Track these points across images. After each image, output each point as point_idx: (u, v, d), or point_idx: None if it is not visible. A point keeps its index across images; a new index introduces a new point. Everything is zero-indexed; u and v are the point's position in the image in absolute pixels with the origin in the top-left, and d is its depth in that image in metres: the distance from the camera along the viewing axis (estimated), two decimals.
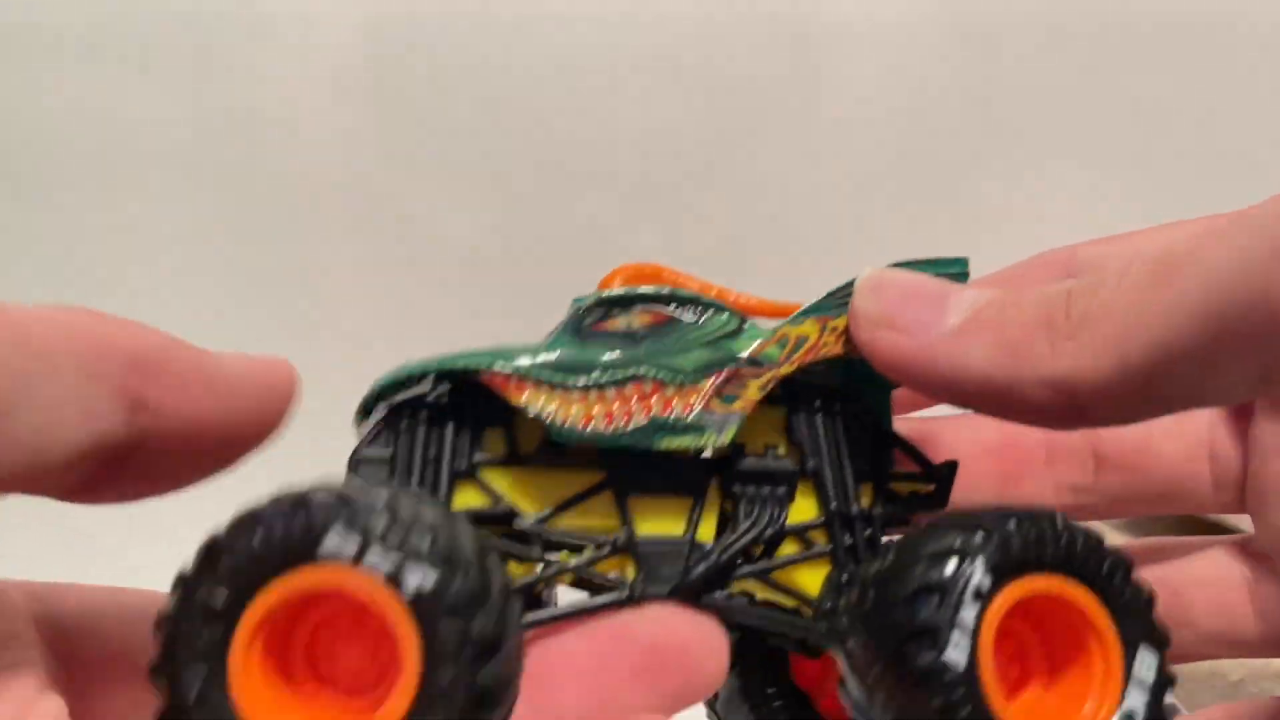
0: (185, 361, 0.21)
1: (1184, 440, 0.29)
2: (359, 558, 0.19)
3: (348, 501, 0.19)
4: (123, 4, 0.46)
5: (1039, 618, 0.23)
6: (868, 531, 0.26)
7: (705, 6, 0.47)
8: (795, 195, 0.47)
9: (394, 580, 0.19)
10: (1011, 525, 0.22)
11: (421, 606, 0.19)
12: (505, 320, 0.46)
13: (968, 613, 0.21)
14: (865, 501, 0.27)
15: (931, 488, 0.27)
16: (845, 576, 0.26)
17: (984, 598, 0.21)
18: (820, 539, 0.26)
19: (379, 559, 0.19)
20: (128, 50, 0.47)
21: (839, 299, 0.26)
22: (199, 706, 0.19)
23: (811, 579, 0.26)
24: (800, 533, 0.26)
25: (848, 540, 0.26)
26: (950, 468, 0.27)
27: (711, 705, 0.31)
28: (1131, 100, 0.49)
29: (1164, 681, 0.22)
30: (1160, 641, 0.22)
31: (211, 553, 0.19)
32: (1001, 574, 0.21)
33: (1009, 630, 0.23)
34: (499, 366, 0.25)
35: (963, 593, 0.21)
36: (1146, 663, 0.22)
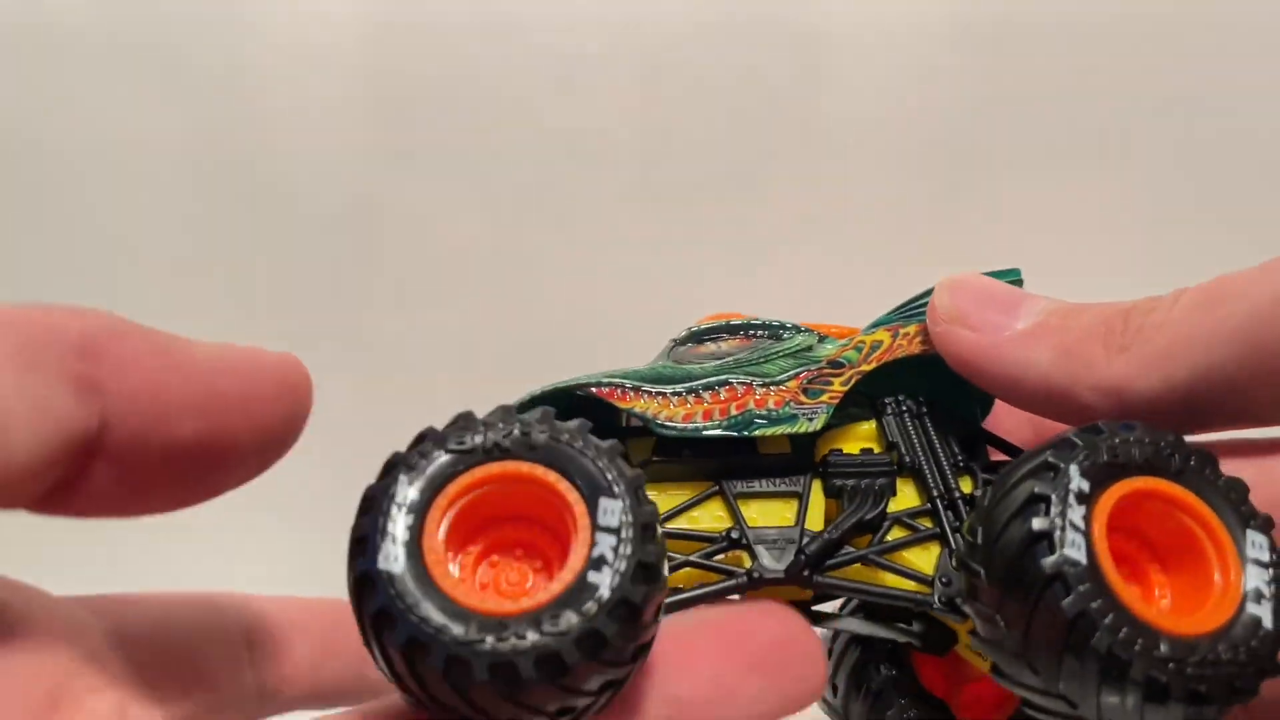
0: (139, 339, 0.20)
1: None
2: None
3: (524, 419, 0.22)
4: (119, 7, 0.47)
5: (1141, 524, 0.24)
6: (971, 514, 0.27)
7: (709, 9, 0.48)
8: (798, 197, 0.48)
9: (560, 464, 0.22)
10: (1094, 435, 0.23)
11: (584, 475, 0.22)
12: (506, 320, 0.47)
13: (1075, 514, 0.22)
14: (967, 489, 0.28)
15: None
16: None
17: (1087, 499, 0.22)
18: (927, 525, 0.27)
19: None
20: (125, 53, 0.47)
21: (905, 311, 0.29)
22: (400, 573, 0.20)
23: (925, 560, 0.27)
24: (906, 521, 0.27)
25: (955, 521, 0.27)
26: None
27: None
28: (1144, 102, 0.49)
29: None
30: (1263, 524, 0.23)
31: (395, 463, 0.22)
32: (1097, 479, 0.23)
33: (1116, 542, 0.24)
34: (605, 380, 0.27)
35: (1065, 497, 0.22)
36: (1257, 543, 0.23)
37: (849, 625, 0.28)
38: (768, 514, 0.27)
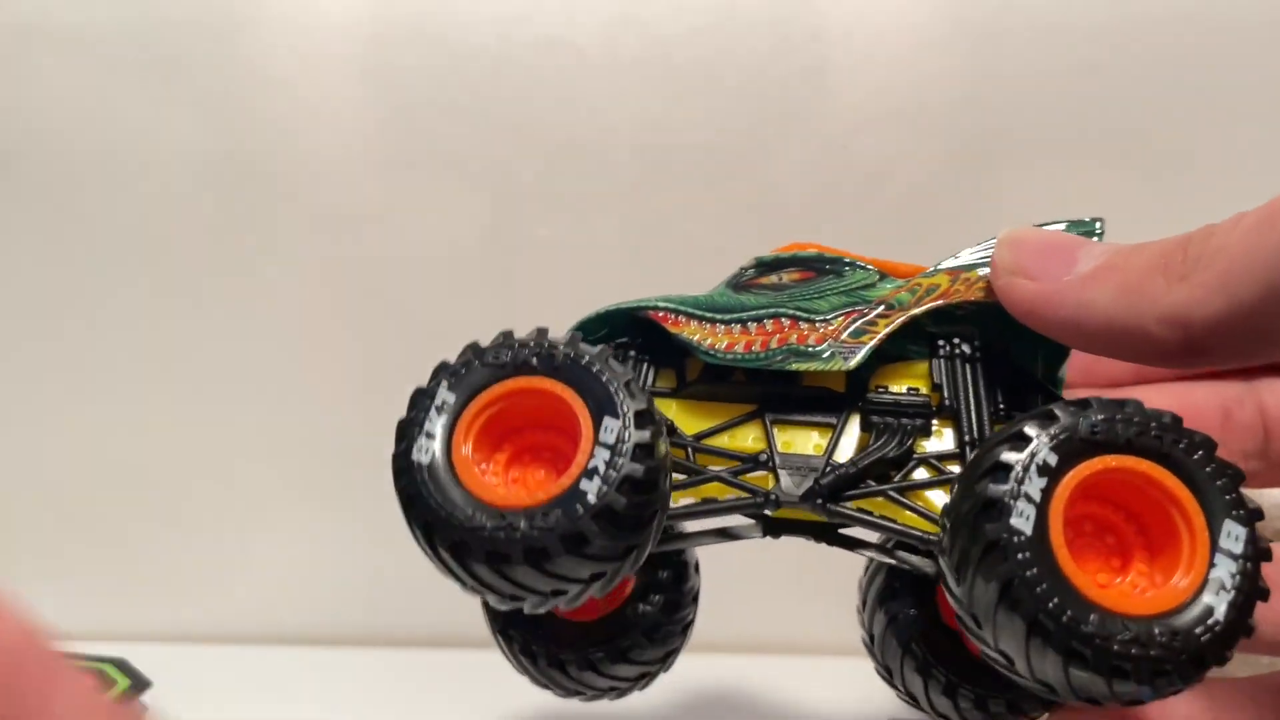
0: None
1: None
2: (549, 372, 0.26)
3: (551, 340, 0.26)
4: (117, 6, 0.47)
5: (1127, 502, 0.24)
6: None
7: (711, 5, 0.47)
8: (799, 197, 0.47)
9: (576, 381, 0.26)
10: (1080, 410, 0.24)
11: (593, 392, 0.25)
12: (503, 321, 0.48)
13: (1034, 485, 0.23)
14: None
15: None
16: None
17: (1051, 472, 0.23)
18: (955, 468, 0.28)
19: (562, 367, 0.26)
20: (124, 52, 0.48)
21: (972, 255, 0.29)
22: (429, 464, 0.25)
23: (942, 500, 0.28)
24: (935, 463, 0.28)
25: None
26: None
27: (870, 646, 0.33)
28: (1145, 100, 0.46)
29: (1255, 553, 0.22)
30: (1248, 515, 0.23)
31: (440, 370, 0.26)
32: (1069, 453, 0.23)
33: (1104, 520, 0.24)
34: (661, 304, 0.30)
35: (1028, 467, 0.23)
36: (1233, 534, 0.22)
37: (870, 552, 0.30)
38: (801, 441, 0.29)
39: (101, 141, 0.48)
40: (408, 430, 0.26)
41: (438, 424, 0.26)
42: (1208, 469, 0.23)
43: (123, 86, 0.48)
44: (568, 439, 0.26)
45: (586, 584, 0.26)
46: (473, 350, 0.27)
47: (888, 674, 0.32)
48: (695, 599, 0.34)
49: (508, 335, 0.27)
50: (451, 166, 0.48)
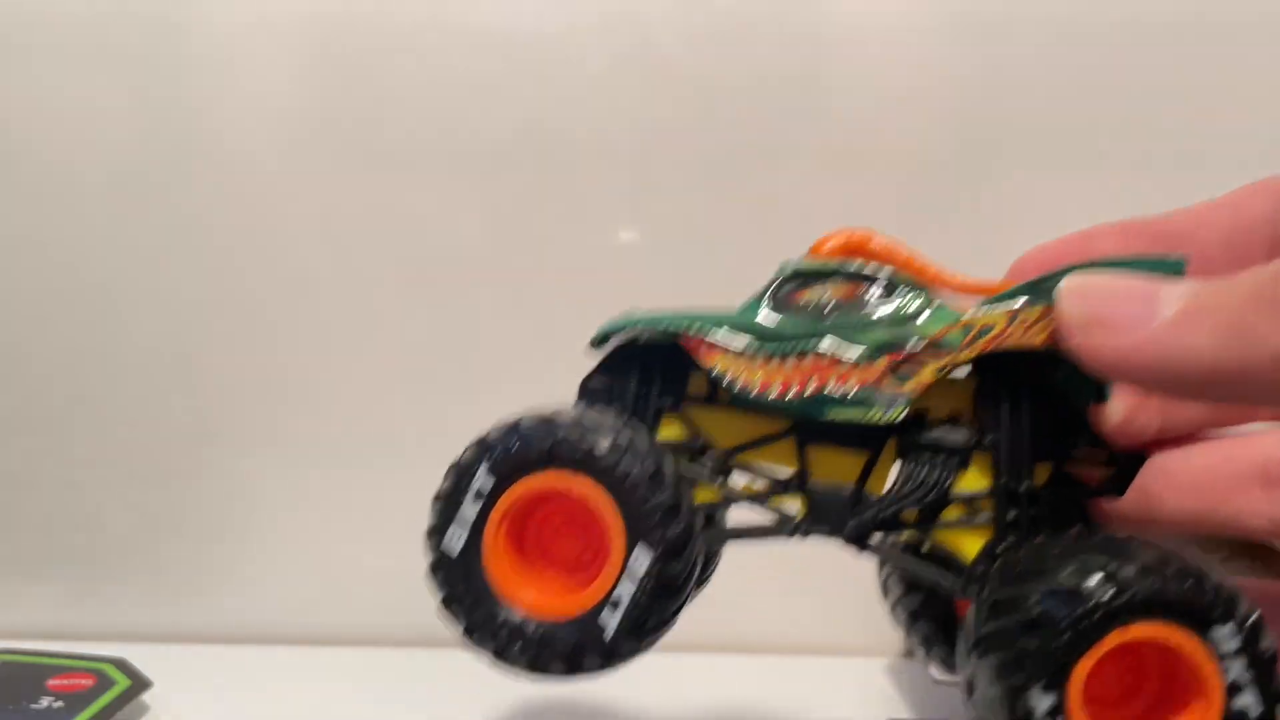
0: None
1: None
2: (586, 466, 0.26)
3: (582, 425, 0.26)
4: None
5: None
6: (1033, 509, 0.27)
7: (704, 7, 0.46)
8: (800, 197, 0.47)
9: (614, 487, 0.25)
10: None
11: (630, 508, 0.25)
12: (503, 322, 0.47)
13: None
14: (1040, 479, 0.28)
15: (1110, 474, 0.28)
16: (1000, 547, 0.27)
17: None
18: (988, 509, 0.28)
19: (602, 470, 0.25)
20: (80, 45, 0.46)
21: (1029, 291, 0.27)
22: (459, 558, 0.26)
23: (971, 544, 0.28)
24: (969, 501, 0.28)
25: (1012, 514, 0.27)
26: (1137, 459, 0.28)
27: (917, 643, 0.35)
28: (1147, 98, 0.46)
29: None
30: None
31: (481, 448, 0.26)
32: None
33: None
34: (694, 330, 0.28)
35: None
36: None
37: (896, 558, 0.31)
38: (834, 466, 0.29)
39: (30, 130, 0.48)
40: (444, 512, 0.26)
41: (473, 510, 0.26)
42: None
43: (57, 76, 0.47)
44: (599, 535, 0.26)
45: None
46: (516, 433, 0.26)
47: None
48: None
49: (552, 420, 0.26)
50: (444, 164, 0.48)
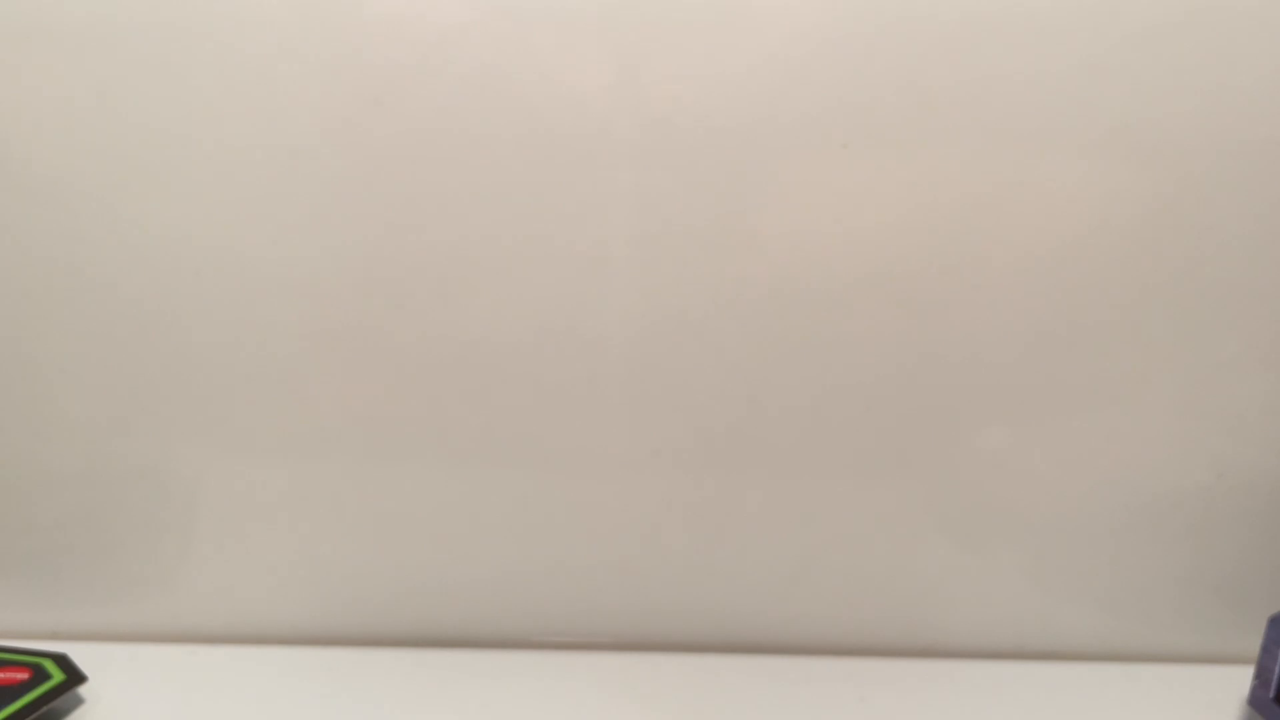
0: None
1: None
2: None
3: None
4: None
5: None
6: None
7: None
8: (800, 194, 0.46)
9: None
10: None
11: None
12: (503, 320, 0.45)
13: None
14: None
15: None
16: None
17: None
18: None
19: None
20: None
21: None
22: None
23: None
24: None
25: None
26: None
27: None
28: (1143, 94, 0.45)
29: None
30: None
31: None
32: None
33: None
34: None
35: None
36: None
37: None
38: None
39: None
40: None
41: None
42: None
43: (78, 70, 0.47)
44: None
45: None
46: None
47: None
48: None
49: None
50: (449, 159, 0.48)
